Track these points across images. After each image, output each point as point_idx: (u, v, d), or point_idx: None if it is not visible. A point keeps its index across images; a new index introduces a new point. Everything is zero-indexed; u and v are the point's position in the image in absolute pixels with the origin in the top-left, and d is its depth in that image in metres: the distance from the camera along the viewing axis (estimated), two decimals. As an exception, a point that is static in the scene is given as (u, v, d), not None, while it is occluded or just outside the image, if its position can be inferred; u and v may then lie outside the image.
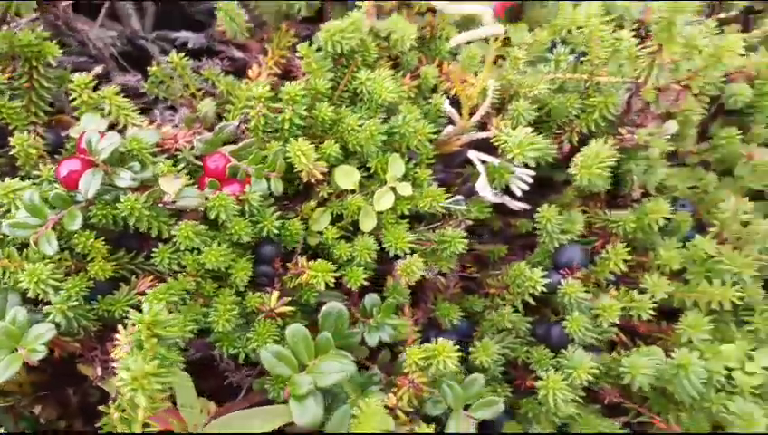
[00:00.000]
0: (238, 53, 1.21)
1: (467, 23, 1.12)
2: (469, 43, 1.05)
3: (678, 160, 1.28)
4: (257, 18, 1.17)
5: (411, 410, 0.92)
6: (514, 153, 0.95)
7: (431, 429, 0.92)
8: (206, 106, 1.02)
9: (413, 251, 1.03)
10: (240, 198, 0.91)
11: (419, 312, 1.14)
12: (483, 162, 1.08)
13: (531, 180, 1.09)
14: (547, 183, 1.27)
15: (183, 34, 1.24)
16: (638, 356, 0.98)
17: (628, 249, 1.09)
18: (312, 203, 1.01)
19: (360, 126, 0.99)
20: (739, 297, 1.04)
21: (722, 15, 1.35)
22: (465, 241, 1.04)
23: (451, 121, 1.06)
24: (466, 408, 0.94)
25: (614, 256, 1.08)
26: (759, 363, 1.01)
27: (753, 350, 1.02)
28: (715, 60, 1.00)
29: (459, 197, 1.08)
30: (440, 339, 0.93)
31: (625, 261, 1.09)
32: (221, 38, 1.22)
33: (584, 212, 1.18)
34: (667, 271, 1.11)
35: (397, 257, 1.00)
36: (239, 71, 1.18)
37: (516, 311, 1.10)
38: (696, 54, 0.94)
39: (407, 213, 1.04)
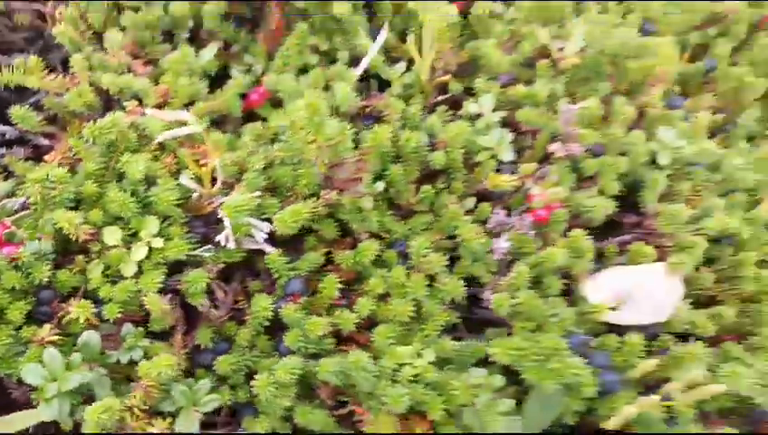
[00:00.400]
0: (44, 141, 1.54)
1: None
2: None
3: (404, 210, 1.66)
4: (56, 114, 1.51)
5: (147, 407, 1.23)
6: (226, 213, 1.31)
7: (167, 422, 1.24)
8: (-2, 187, 1.34)
9: (166, 290, 1.37)
10: (14, 256, 1.23)
11: (188, 337, 1.47)
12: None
13: (268, 231, 1.45)
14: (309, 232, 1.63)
15: (0, 128, 1.56)
16: (328, 359, 1.33)
17: (342, 279, 1.46)
18: (82, 257, 1.34)
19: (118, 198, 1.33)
20: (416, 311, 1.42)
21: (440, 98, 1.78)
22: (207, 279, 1.38)
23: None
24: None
25: (329, 285, 1.44)
26: (426, 359, 1.37)
27: (422, 349, 1.39)
28: (377, 143, 1.39)
29: (209, 246, 1.43)
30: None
31: (342, 289, 1.46)
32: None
33: (328, 253, 1.55)
34: (375, 294, 1.47)
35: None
36: (44, 155, 1.50)
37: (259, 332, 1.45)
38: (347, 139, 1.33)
39: (162, 261, 1.38)
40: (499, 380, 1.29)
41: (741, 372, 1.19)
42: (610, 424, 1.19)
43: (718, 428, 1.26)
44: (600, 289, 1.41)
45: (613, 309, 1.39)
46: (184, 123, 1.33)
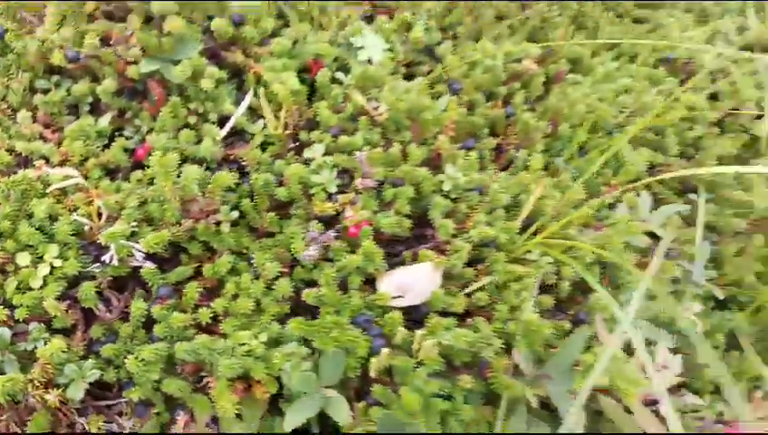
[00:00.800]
0: (-23, 190, 2.03)
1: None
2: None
3: (260, 232, 2.18)
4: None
5: (45, 380, 1.71)
6: (106, 240, 1.81)
7: (59, 390, 1.72)
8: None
9: (67, 298, 1.86)
10: (-53, 275, 1.71)
11: (86, 334, 1.95)
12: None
13: (143, 251, 1.95)
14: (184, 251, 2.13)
15: (-59, 182, 2.05)
16: (184, 343, 1.82)
17: (207, 285, 1.96)
18: (1, 276, 1.83)
19: (27, 231, 1.83)
20: (257, 306, 1.93)
21: (292, 146, 2.31)
22: (97, 289, 1.87)
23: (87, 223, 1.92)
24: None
25: (190, 290, 1.94)
26: (260, 340, 1.87)
27: (258, 333, 1.89)
28: (219, 184, 1.92)
29: (98, 264, 1.92)
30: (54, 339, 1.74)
31: (206, 293, 1.96)
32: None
33: (199, 266, 2.06)
34: (230, 296, 1.98)
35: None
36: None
37: (138, 327, 1.93)
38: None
39: (62, 276, 1.87)
40: (304, 350, 1.79)
41: (462, 334, 1.72)
42: (371, 373, 1.70)
43: (461, 375, 1.77)
44: (389, 283, 1.93)
45: (399, 297, 1.91)
46: (71, 176, 1.84)
